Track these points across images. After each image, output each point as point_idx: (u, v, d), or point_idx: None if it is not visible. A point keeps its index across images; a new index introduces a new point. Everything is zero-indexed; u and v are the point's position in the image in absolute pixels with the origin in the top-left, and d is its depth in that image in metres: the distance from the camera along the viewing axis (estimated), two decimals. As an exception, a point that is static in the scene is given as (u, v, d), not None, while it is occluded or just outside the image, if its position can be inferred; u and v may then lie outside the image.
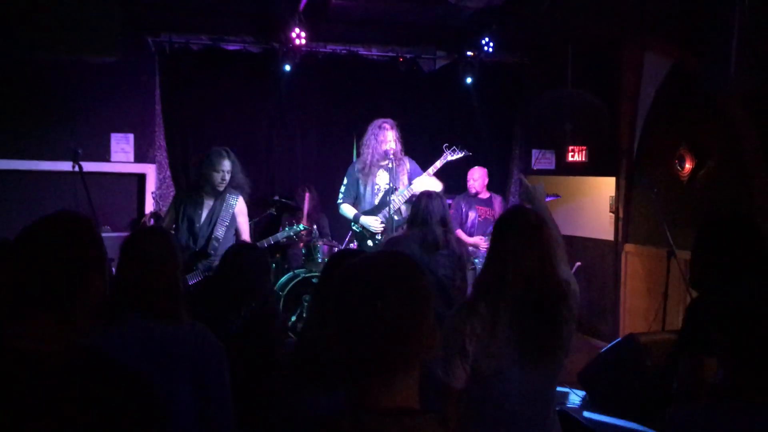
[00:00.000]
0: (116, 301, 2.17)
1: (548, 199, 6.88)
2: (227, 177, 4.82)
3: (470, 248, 6.62)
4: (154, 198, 6.76)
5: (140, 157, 6.88)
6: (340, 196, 5.72)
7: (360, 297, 1.27)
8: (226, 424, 2.18)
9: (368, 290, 1.27)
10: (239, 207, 4.95)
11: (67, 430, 1.37)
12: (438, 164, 5.67)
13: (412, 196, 5.45)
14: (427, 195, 4.40)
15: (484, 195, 6.92)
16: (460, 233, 6.73)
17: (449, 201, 6.25)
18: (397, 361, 1.26)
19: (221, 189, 4.82)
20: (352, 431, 1.21)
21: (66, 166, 6.28)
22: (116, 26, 4.04)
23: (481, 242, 6.68)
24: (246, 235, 5.05)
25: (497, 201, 6.99)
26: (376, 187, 5.58)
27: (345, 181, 5.74)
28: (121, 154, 6.84)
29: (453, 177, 6.60)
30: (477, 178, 6.88)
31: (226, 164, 4.81)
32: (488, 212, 6.87)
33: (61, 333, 1.48)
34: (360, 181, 5.60)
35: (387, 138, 5.47)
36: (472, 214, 6.81)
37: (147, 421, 1.47)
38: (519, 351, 2.37)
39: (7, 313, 1.49)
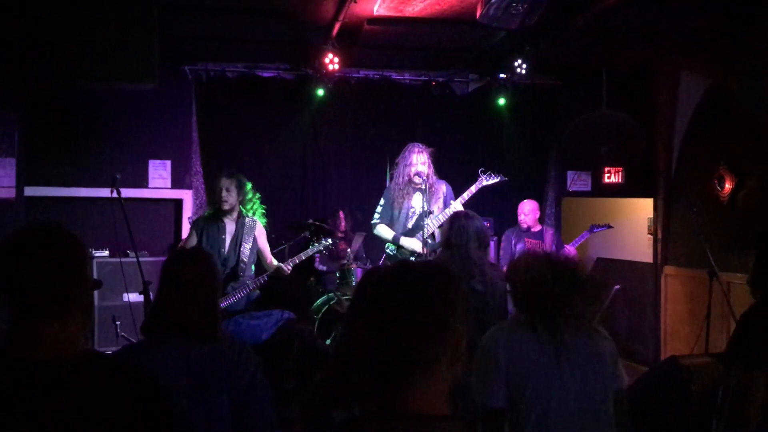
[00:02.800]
0: (155, 323, 2.19)
1: (602, 229, 6.82)
2: (225, 194, 5.02)
3: None
4: (190, 223, 6.84)
5: (177, 183, 6.99)
6: (376, 216, 5.70)
7: (392, 297, 1.31)
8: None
9: (401, 291, 1.31)
10: (258, 228, 5.18)
11: None
12: (473, 189, 5.61)
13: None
14: (464, 215, 4.24)
15: (536, 228, 6.71)
16: None
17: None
18: (423, 362, 1.26)
19: (225, 208, 5.03)
20: None
21: (105, 192, 6.44)
22: (154, 54, 4.14)
23: None
24: (269, 254, 5.28)
25: (549, 234, 6.75)
26: (411, 210, 5.56)
27: (381, 202, 5.75)
28: (159, 180, 6.95)
29: (488, 199, 6.54)
30: (528, 212, 6.67)
31: (224, 182, 5.05)
32: (538, 245, 6.66)
33: (68, 340, 1.51)
34: (395, 203, 5.59)
35: (413, 161, 5.47)
36: (520, 246, 6.67)
37: (156, 427, 1.48)
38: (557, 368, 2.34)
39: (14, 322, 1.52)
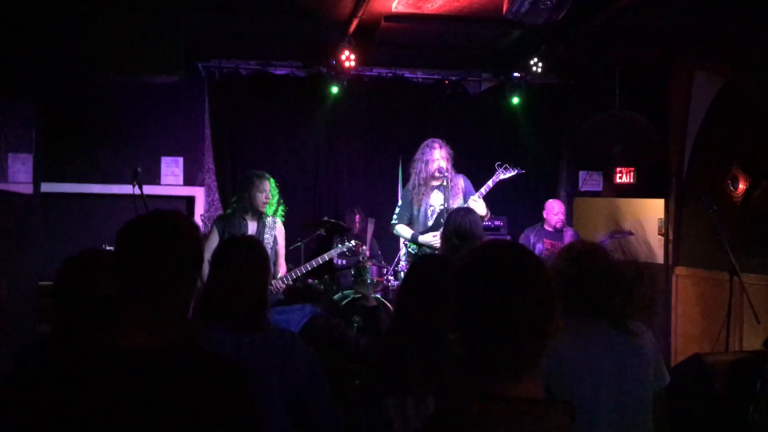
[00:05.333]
0: (206, 310, 2.17)
1: (624, 236, 6.79)
2: (270, 197, 5.08)
3: None
4: (202, 220, 6.83)
5: (189, 180, 6.98)
6: (395, 217, 5.68)
7: (489, 292, 1.23)
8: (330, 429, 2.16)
9: (498, 285, 1.23)
10: (279, 228, 5.21)
11: (164, 425, 1.37)
12: (490, 183, 5.60)
13: None
14: (465, 210, 4.29)
15: (559, 227, 6.65)
16: None
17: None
18: (528, 357, 1.24)
19: (263, 210, 5.07)
20: (480, 417, 1.19)
21: (117, 189, 6.44)
22: (180, 45, 4.12)
23: None
24: (282, 255, 5.30)
25: (569, 233, 6.70)
26: (431, 208, 5.53)
27: (400, 203, 5.75)
28: (171, 177, 6.94)
29: (499, 198, 6.53)
30: (559, 211, 6.62)
31: (268, 185, 5.08)
32: (556, 246, 6.63)
33: (153, 328, 1.48)
34: (414, 202, 5.56)
35: (434, 156, 5.45)
36: (539, 246, 6.64)
37: (244, 419, 1.46)
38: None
39: (103, 309, 1.50)
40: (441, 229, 5.33)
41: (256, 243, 2.38)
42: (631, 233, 6.81)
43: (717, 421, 3.88)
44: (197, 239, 1.61)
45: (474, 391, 1.24)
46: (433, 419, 1.25)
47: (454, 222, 4.14)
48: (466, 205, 5.13)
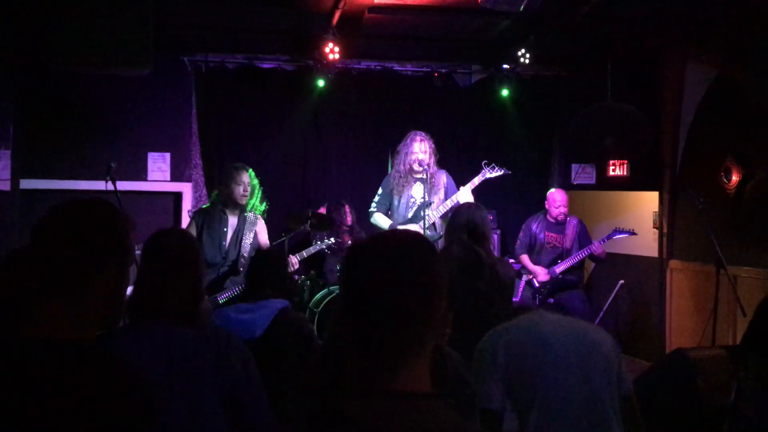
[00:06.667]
0: (136, 304, 2.10)
1: (622, 235, 6.71)
2: (248, 189, 4.99)
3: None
4: (190, 216, 6.76)
5: (177, 175, 6.91)
6: (373, 205, 5.65)
7: (369, 272, 1.21)
8: (266, 429, 2.09)
9: (378, 265, 1.21)
10: (260, 224, 5.14)
11: (66, 420, 1.32)
12: (476, 181, 5.52)
13: (450, 210, 5.33)
14: (475, 205, 4.06)
15: (561, 218, 6.53)
16: (525, 259, 6.54)
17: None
18: (406, 342, 1.18)
19: (243, 202, 4.99)
20: (359, 414, 1.14)
21: (103, 185, 6.37)
22: (149, 38, 4.06)
23: (540, 274, 6.43)
24: None
25: (572, 223, 6.58)
26: (411, 200, 5.48)
27: (379, 191, 5.69)
28: (158, 173, 6.87)
29: (488, 191, 6.45)
30: (562, 203, 6.47)
31: (246, 177, 4.99)
32: (558, 239, 6.51)
33: (72, 321, 1.43)
34: (394, 193, 5.51)
35: (415, 149, 5.41)
36: (540, 237, 6.52)
37: (135, 423, 1.41)
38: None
39: (22, 300, 1.47)
40: (418, 227, 5.28)
41: (185, 232, 2.31)
42: (633, 233, 6.71)
43: (699, 415, 3.82)
44: (119, 227, 1.55)
45: (353, 385, 1.19)
46: (309, 418, 1.19)
47: (468, 217, 3.82)
48: (472, 201, 4.98)
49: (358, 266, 1.24)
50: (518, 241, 6.67)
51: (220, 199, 5.07)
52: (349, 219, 6.84)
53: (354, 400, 1.15)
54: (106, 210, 1.56)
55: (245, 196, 4.97)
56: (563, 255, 6.49)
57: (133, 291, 2.12)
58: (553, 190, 6.73)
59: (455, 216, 3.93)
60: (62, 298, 1.44)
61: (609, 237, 6.62)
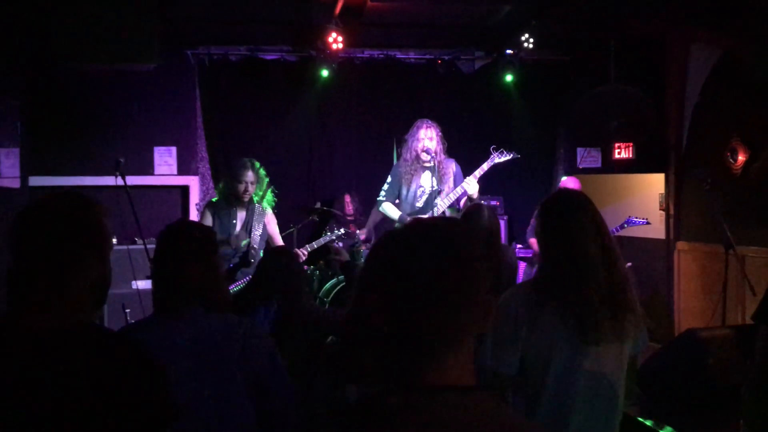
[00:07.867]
0: (160, 295, 2.13)
1: (639, 223, 6.70)
2: (251, 188, 4.97)
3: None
4: (197, 209, 6.80)
5: (183, 169, 6.94)
6: (382, 194, 5.61)
7: (410, 263, 1.15)
8: (291, 417, 2.11)
9: (419, 256, 1.15)
10: (269, 215, 5.15)
11: (71, 408, 1.35)
12: (485, 167, 5.47)
13: (460, 197, 5.33)
14: (488, 207, 4.05)
15: None
16: (535, 243, 6.53)
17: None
18: (448, 334, 1.14)
19: (246, 199, 4.98)
20: (400, 409, 1.09)
21: (110, 180, 6.39)
22: (154, 33, 4.07)
23: None
24: (279, 241, 5.26)
25: None
26: (420, 189, 5.46)
27: (389, 180, 5.65)
28: (165, 167, 6.91)
29: (495, 177, 6.45)
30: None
31: (250, 175, 4.96)
32: None
33: (63, 310, 1.47)
34: (402, 181, 5.49)
35: (421, 135, 5.38)
36: None
37: (152, 409, 1.44)
38: (574, 338, 2.27)
39: (14, 293, 1.51)
40: (431, 214, 5.28)
41: (197, 224, 2.33)
42: (647, 222, 6.70)
43: (710, 395, 3.84)
44: (94, 217, 1.58)
45: (395, 380, 1.16)
46: (351, 412, 1.17)
47: (486, 220, 3.82)
48: (482, 203, 4.95)
49: (398, 254, 1.18)
50: (531, 226, 6.67)
51: (226, 192, 5.09)
52: (349, 208, 6.85)
53: (395, 395, 1.11)
54: (79, 202, 1.59)
55: (247, 193, 4.97)
56: None
57: (154, 284, 2.15)
58: (565, 177, 6.73)
59: (469, 217, 3.90)
60: (48, 287, 1.48)
61: (622, 226, 6.62)
